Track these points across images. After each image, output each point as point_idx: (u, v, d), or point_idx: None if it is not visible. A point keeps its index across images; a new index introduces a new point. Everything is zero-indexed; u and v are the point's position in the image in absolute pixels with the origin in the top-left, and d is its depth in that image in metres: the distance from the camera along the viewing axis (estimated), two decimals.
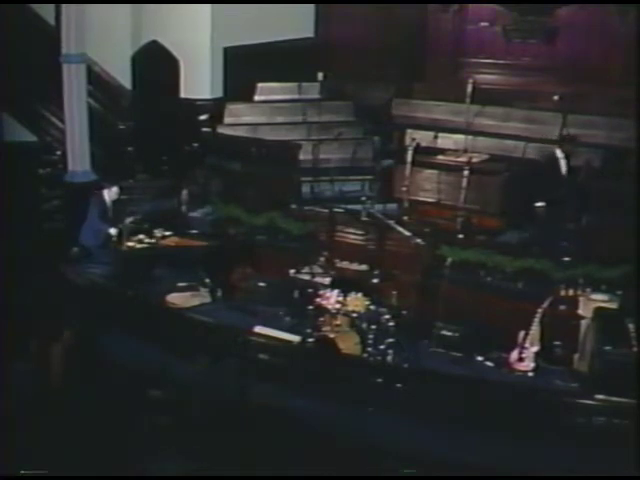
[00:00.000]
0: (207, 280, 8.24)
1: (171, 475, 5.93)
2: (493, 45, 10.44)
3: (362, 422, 6.60)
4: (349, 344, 7.18)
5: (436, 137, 9.50)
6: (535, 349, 6.97)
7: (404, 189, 8.66)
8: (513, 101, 9.99)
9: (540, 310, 7.02)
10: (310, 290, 7.67)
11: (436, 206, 8.66)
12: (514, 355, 7.01)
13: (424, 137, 9.42)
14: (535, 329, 6.99)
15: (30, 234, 9.23)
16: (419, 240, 7.77)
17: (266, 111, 10.30)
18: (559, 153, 8.40)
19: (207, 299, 8.16)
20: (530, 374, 6.95)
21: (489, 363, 7.16)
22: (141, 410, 6.66)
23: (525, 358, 6.96)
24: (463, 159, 8.87)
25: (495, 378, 6.84)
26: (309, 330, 7.31)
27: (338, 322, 7.33)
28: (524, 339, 6.98)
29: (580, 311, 7.10)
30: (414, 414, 6.54)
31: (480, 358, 7.21)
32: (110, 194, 8.85)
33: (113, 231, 8.53)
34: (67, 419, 6.36)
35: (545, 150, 8.88)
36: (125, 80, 10.82)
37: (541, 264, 7.46)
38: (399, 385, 6.72)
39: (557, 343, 7.14)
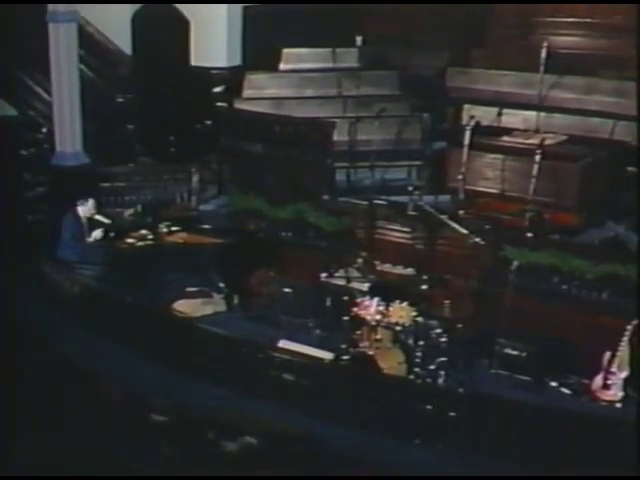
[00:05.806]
0: (221, 284, 8.32)
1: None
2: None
3: (407, 457, 6.58)
4: (392, 363, 7.17)
5: (500, 114, 9.60)
6: (624, 375, 6.90)
7: (460, 177, 8.68)
8: (598, 69, 9.94)
9: (630, 327, 6.95)
10: (345, 298, 7.69)
11: (499, 198, 8.67)
12: (597, 381, 6.97)
13: (485, 114, 9.56)
14: (623, 350, 6.92)
15: (10, 227, 9.31)
16: (478, 239, 7.77)
17: (293, 82, 10.42)
18: None
19: (221, 307, 8.23)
20: (617, 405, 6.89)
21: (565, 390, 7.11)
22: (142, 434, 6.81)
23: (611, 385, 6.90)
24: (534, 141, 8.81)
25: (573, 408, 6.75)
26: (344, 346, 7.32)
27: (379, 336, 7.33)
28: (610, 362, 6.93)
29: None
30: (470, 449, 6.50)
31: (554, 384, 7.17)
32: (85, 210, 8.90)
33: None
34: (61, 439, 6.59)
35: None
36: (124, 44, 10.91)
37: (629, 270, 7.37)
38: (452, 414, 6.66)
39: None
